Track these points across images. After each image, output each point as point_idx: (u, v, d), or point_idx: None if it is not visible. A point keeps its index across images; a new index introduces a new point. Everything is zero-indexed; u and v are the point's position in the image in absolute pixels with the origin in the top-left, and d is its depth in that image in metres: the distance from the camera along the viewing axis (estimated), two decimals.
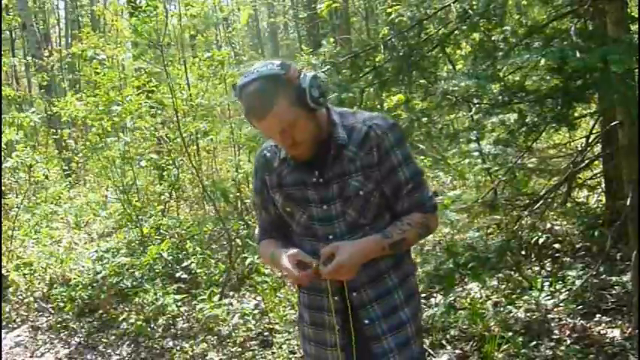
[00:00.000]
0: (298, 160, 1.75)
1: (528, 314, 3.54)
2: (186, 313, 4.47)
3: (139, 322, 4.28)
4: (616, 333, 3.23)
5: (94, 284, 4.96)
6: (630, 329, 3.21)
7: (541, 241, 4.18)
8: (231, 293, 4.81)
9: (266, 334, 4.00)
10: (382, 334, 1.79)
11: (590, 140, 4.09)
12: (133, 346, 4.23)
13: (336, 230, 1.76)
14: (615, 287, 3.68)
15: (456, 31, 3.57)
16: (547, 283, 3.76)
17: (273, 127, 1.63)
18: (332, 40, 7.35)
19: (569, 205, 4.39)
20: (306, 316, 1.90)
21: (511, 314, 3.56)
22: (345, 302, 1.78)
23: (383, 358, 1.79)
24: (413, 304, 1.86)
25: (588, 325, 3.37)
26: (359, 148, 1.73)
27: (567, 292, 3.65)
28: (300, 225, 1.82)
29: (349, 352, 1.82)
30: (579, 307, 3.51)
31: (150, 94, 6.48)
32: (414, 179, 1.76)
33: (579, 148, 4.29)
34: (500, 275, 3.94)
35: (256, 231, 2.04)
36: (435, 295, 4.02)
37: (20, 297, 5.28)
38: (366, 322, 1.79)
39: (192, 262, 4.87)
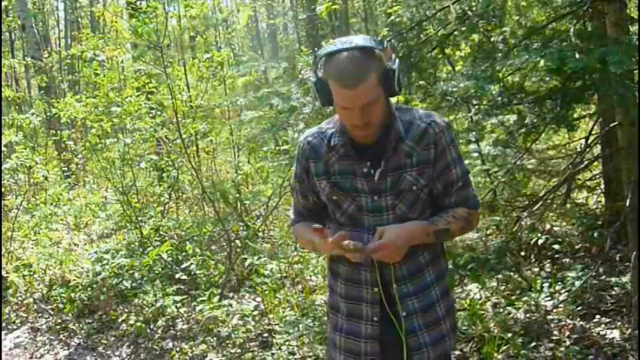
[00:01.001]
0: (362, 141, 1.74)
1: (528, 315, 3.54)
2: (185, 314, 4.47)
3: (139, 324, 4.28)
4: (615, 334, 3.23)
5: (94, 285, 4.96)
6: (630, 330, 3.21)
7: (540, 242, 4.18)
8: (230, 294, 4.80)
9: (265, 335, 4.00)
10: (418, 329, 1.80)
11: (589, 141, 4.09)
12: (132, 347, 4.22)
13: (384, 222, 1.75)
14: (615, 288, 3.68)
15: (455, 32, 3.58)
16: (546, 284, 3.76)
17: (361, 99, 1.61)
18: (331, 41, 7.34)
19: (568, 206, 4.39)
20: (342, 307, 1.88)
21: (510, 315, 3.55)
22: (383, 295, 1.78)
23: (417, 352, 1.80)
24: (447, 301, 1.88)
25: (588, 326, 3.37)
26: (416, 144, 1.74)
27: (567, 293, 3.65)
28: (345, 214, 1.80)
29: (384, 344, 1.82)
30: (579, 308, 3.51)
31: (149, 96, 6.48)
32: (464, 177, 1.81)
33: (579, 149, 4.30)
34: (499, 276, 3.94)
35: (290, 213, 2.03)
36: None
37: (20, 298, 5.28)
38: (404, 314, 1.79)
39: (191, 264, 4.86)
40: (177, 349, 4.03)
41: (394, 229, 1.69)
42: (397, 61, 1.66)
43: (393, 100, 1.86)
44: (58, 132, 8.77)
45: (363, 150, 1.75)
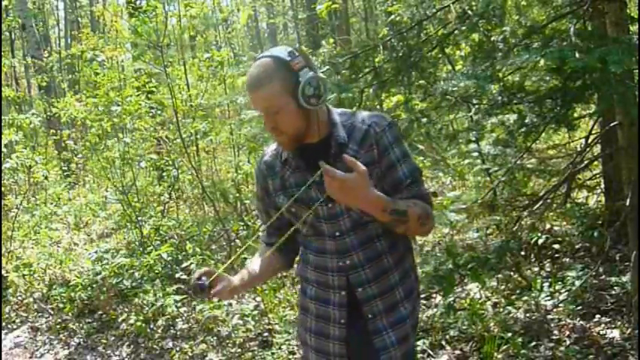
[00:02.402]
0: (285, 149, 1.79)
1: (528, 315, 3.54)
2: (185, 314, 4.47)
3: (139, 323, 4.28)
4: (615, 333, 3.23)
5: (94, 285, 4.96)
6: (630, 330, 3.21)
7: (540, 241, 4.18)
8: None
9: (265, 334, 4.01)
10: (383, 329, 1.82)
11: (589, 141, 4.08)
12: (132, 346, 4.23)
13: (341, 227, 1.80)
14: (615, 288, 3.68)
15: (455, 32, 3.57)
16: (546, 284, 3.76)
17: (258, 103, 1.69)
18: (331, 40, 7.36)
19: (568, 205, 4.39)
20: (311, 308, 1.92)
21: (510, 315, 3.56)
22: (350, 297, 1.82)
23: (384, 352, 1.82)
24: (411, 301, 1.90)
25: (588, 325, 3.37)
26: (359, 147, 1.76)
27: (567, 293, 3.65)
28: (306, 224, 1.84)
29: (351, 345, 1.86)
30: (579, 308, 3.51)
31: (149, 95, 6.48)
32: (413, 175, 1.80)
33: (579, 149, 4.29)
34: (499, 276, 3.94)
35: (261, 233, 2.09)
36: (434, 295, 4.02)
37: (20, 298, 5.28)
38: (370, 316, 1.83)
39: (191, 263, 4.86)
40: (178, 348, 4.03)
41: (359, 179, 1.56)
42: (308, 74, 1.66)
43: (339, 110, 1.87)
44: (58, 131, 8.78)
45: (311, 160, 1.76)
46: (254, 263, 1.96)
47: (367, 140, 1.76)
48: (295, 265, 2.06)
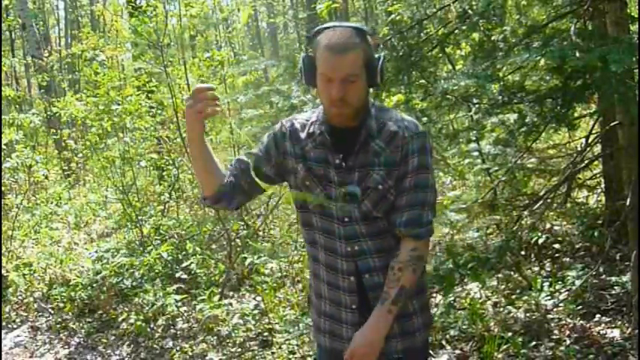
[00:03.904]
0: (337, 122, 1.76)
1: (528, 314, 3.54)
2: (185, 314, 4.47)
3: (139, 323, 4.28)
4: (616, 333, 3.23)
5: (94, 284, 4.96)
6: (630, 329, 3.21)
7: (541, 241, 4.18)
8: (230, 293, 4.81)
9: (266, 334, 4.00)
10: None
11: (589, 140, 4.08)
12: (132, 346, 4.23)
13: (351, 214, 1.79)
14: (615, 287, 3.68)
15: (455, 31, 3.57)
16: (547, 284, 3.76)
17: (344, 68, 1.66)
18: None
19: (568, 205, 4.39)
20: (325, 291, 1.92)
21: (511, 314, 3.56)
22: (359, 283, 1.83)
23: (387, 341, 1.82)
24: (421, 298, 1.92)
25: (588, 325, 3.37)
26: (386, 145, 1.77)
27: (567, 293, 3.65)
28: (315, 201, 1.84)
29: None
30: (579, 308, 3.51)
31: (150, 95, 6.48)
32: (417, 189, 1.77)
33: (579, 149, 4.28)
34: (499, 275, 3.94)
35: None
36: (434, 295, 4.01)
37: (20, 297, 5.28)
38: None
39: (191, 263, 4.87)
40: (178, 348, 4.03)
41: (361, 346, 1.74)
42: (382, 55, 1.73)
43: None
44: (59, 131, 8.79)
45: (337, 142, 1.79)
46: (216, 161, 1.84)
47: (395, 141, 1.76)
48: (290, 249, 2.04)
